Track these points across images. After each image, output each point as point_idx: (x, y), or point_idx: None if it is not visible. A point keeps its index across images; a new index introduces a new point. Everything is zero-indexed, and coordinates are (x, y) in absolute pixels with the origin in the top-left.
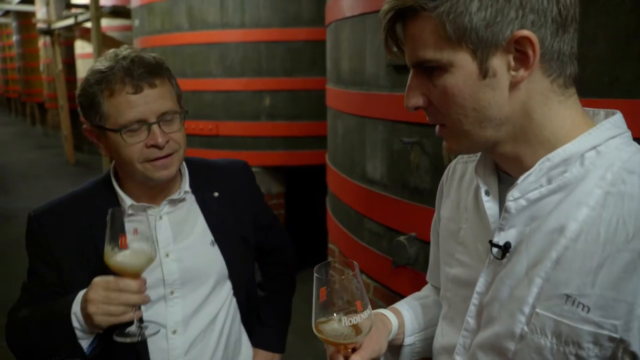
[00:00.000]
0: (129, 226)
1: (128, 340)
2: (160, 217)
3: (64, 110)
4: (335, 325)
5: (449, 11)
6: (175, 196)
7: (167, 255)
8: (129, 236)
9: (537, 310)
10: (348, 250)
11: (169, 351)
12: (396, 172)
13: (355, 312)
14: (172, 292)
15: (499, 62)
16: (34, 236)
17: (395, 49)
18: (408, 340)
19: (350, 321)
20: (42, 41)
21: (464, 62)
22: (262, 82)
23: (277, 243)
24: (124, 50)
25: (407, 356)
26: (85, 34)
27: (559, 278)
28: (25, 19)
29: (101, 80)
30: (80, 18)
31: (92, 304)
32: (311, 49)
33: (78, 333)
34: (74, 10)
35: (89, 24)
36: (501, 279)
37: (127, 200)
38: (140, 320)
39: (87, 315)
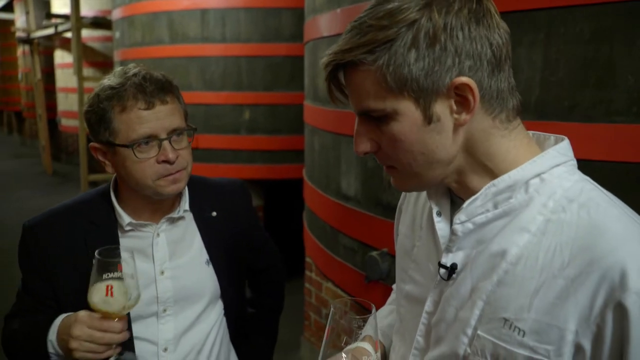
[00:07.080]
0: (122, 251)
1: None
2: (158, 235)
3: (42, 119)
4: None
5: (388, 63)
6: (174, 214)
7: (162, 272)
8: (114, 280)
9: (479, 332)
10: (324, 265)
11: None
12: (369, 188)
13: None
14: (164, 310)
15: (441, 108)
16: (27, 248)
17: (340, 95)
18: None
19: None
20: (20, 50)
21: (407, 110)
22: (242, 96)
23: (268, 263)
24: (133, 68)
25: None
26: (66, 44)
27: (498, 301)
28: (3, 27)
29: (112, 96)
30: (60, 28)
31: (76, 340)
32: (291, 64)
33: (53, 357)
34: (54, 20)
35: (69, 34)
36: (447, 300)
37: (125, 218)
38: (121, 352)
39: (68, 349)
